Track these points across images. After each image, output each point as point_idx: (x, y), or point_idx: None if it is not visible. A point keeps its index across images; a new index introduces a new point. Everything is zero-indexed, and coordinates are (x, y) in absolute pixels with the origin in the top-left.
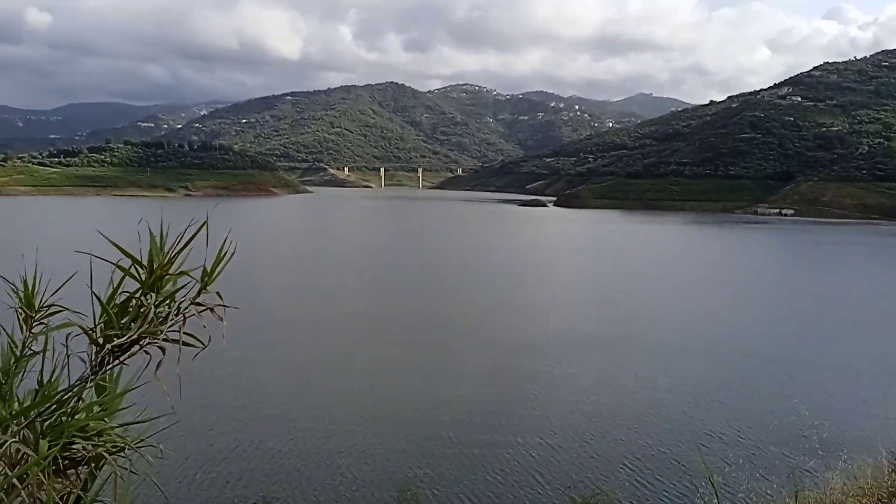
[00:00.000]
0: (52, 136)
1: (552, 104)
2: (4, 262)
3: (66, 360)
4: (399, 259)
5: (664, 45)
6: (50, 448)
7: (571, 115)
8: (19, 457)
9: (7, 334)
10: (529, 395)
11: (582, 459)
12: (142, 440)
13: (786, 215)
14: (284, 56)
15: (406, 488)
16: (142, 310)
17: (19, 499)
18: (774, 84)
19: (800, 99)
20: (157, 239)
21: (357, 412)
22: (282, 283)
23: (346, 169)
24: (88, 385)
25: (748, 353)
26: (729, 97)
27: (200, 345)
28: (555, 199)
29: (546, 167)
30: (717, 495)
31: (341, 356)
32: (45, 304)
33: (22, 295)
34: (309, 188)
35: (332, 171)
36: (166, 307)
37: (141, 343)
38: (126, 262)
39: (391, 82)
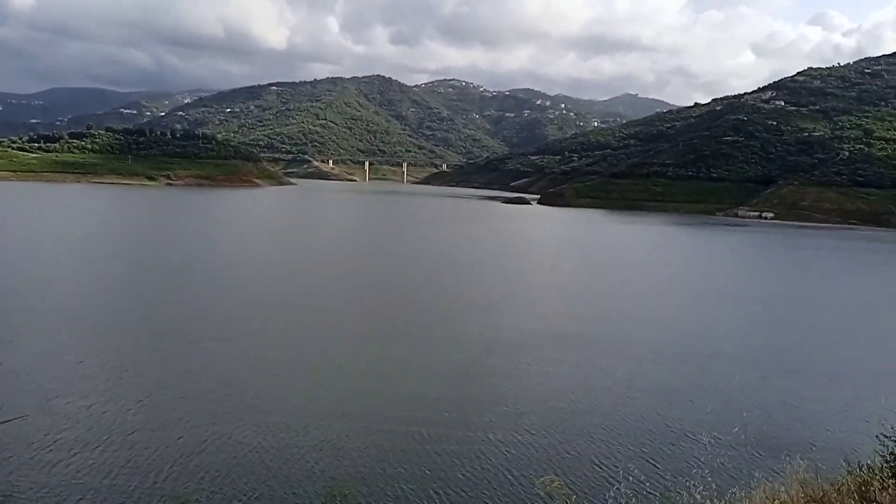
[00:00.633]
0: (33, 121)
1: (538, 102)
2: None
3: None
4: (377, 255)
5: (650, 45)
6: None
7: (557, 113)
8: None
9: None
10: (504, 393)
11: (556, 457)
12: None
13: (766, 218)
14: (271, 46)
15: (379, 484)
16: None
17: None
18: (758, 88)
19: (783, 103)
20: None
21: (330, 407)
22: (257, 277)
23: (330, 161)
24: None
25: (722, 355)
26: (713, 100)
27: None
28: (538, 196)
29: (530, 165)
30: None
31: (315, 351)
32: None
33: None
34: (292, 180)
35: (316, 163)
36: None
37: None
38: None
39: (378, 75)
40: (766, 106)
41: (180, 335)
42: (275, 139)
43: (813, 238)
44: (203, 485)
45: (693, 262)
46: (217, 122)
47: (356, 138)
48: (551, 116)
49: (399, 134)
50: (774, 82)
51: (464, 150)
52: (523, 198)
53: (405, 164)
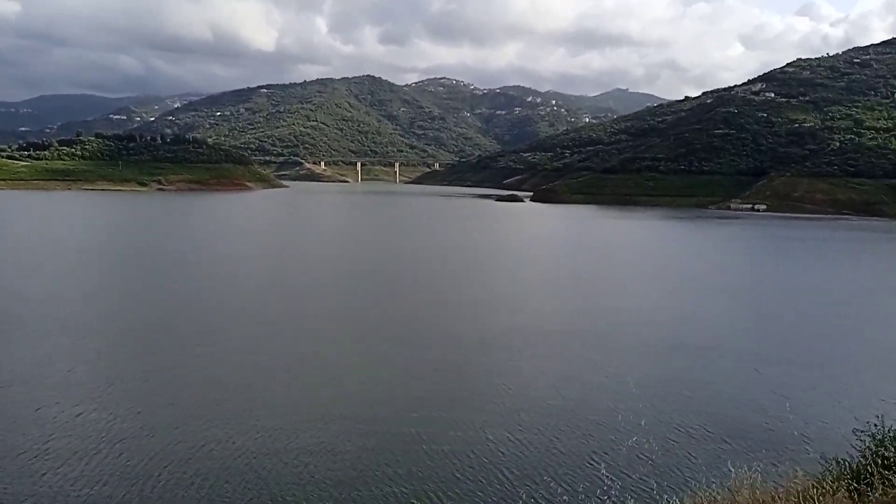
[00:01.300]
0: (22, 129)
1: (529, 99)
2: None
3: None
4: (371, 254)
5: (639, 40)
6: None
7: (548, 109)
8: None
9: None
10: (498, 390)
11: (549, 455)
12: None
13: (758, 210)
14: (259, 48)
15: (374, 486)
16: None
17: None
18: (748, 80)
19: (773, 95)
20: None
21: (323, 410)
22: (248, 280)
23: (322, 163)
24: None
25: (715, 347)
26: (703, 93)
27: None
28: (531, 193)
29: (523, 162)
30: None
31: (309, 353)
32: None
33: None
34: (284, 182)
35: (308, 165)
36: None
37: None
38: None
39: (368, 75)
40: (756, 98)
41: (172, 340)
42: (266, 142)
43: (804, 229)
44: (196, 491)
45: (685, 255)
46: (207, 126)
47: (347, 139)
48: (542, 113)
49: (390, 134)
50: (764, 74)
51: (456, 149)
52: (516, 195)
53: (397, 164)
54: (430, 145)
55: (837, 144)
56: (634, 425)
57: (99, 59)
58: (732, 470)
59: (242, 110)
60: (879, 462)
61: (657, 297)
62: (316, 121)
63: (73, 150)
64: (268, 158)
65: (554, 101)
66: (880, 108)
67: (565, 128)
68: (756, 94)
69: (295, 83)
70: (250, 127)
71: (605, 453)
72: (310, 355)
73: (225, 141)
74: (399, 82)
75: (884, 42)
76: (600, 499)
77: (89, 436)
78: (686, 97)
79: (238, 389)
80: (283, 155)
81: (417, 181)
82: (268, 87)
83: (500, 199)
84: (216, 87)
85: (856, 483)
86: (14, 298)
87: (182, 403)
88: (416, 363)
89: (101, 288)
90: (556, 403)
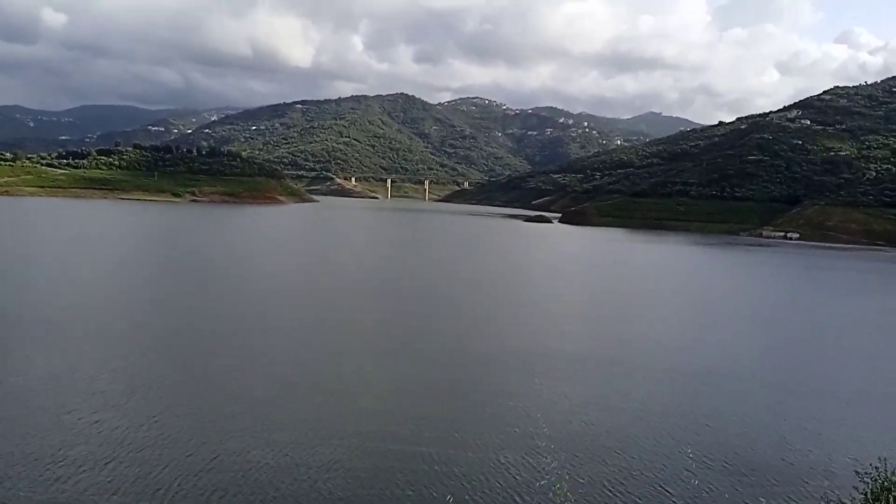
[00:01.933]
0: (63, 138)
1: (561, 120)
2: None
3: None
4: (395, 270)
5: (674, 64)
6: None
7: (580, 131)
8: None
9: None
10: (517, 413)
11: (567, 480)
12: None
13: (791, 239)
14: (296, 64)
15: None
16: None
17: None
18: (784, 107)
19: (808, 122)
20: None
21: (340, 426)
22: (273, 293)
23: (352, 179)
24: None
25: (741, 378)
26: (738, 118)
27: None
28: (560, 215)
29: (552, 183)
30: None
31: (329, 368)
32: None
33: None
34: (315, 197)
35: (338, 180)
36: None
37: None
38: None
39: (401, 93)
40: (791, 125)
41: (196, 350)
42: (299, 156)
43: (837, 259)
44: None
45: (713, 281)
46: (242, 140)
47: (379, 156)
48: (574, 135)
49: (421, 152)
50: (800, 101)
51: (486, 168)
52: (544, 216)
53: (427, 182)
54: (460, 164)
55: (874, 174)
56: (653, 454)
57: (141, 71)
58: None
59: (277, 125)
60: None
61: (683, 323)
62: (348, 137)
63: (110, 159)
64: (300, 173)
65: (586, 123)
66: None
67: (596, 150)
68: (791, 120)
69: (329, 99)
70: (284, 141)
71: (622, 482)
72: (330, 370)
73: (259, 154)
74: (432, 101)
75: None
76: None
77: (106, 443)
78: (720, 122)
79: (257, 402)
80: (314, 170)
81: (447, 199)
82: (303, 102)
83: (528, 219)
84: (253, 102)
85: None
86: (45, 305)
87: (200, 414)
88: (434, 381)
89: (130, 296)
90: (574, 429)
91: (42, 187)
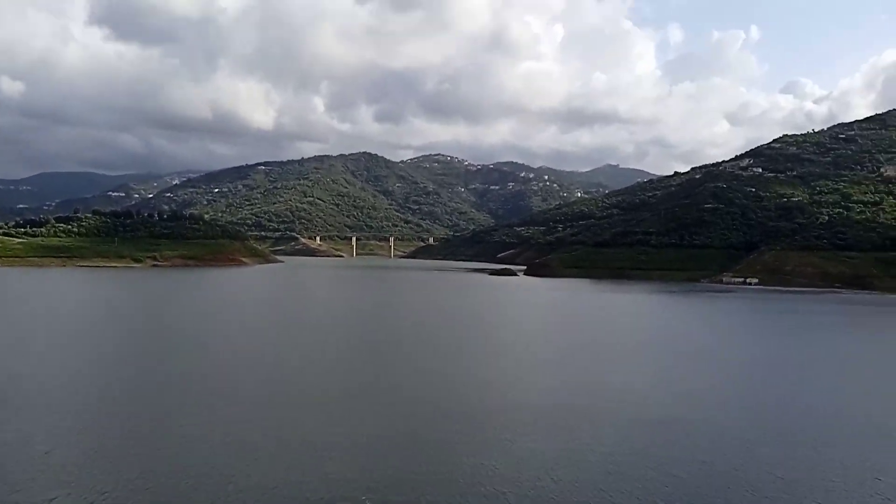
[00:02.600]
0: (21, 206)
1: (522, 174)
2: None
3: None
4: (361, 327)
5: (628, 117)
6: None
7: (541, 185)
8: None
9: None
10: (487, 471)
11: None
12: None
13: (750, 284)
14: (258, 126)
15: None
16: None
17: None
18: (736, 156)
19: (760, 170)
20: None
21: (308, 494)
22: (235, 355)
23: (317, 238)
24: None
25: (709, 423)
26: (692, 168)
27: None
28: (525, 267)
29: (516, 236)
30: None
31: (292, 429)
32: None
33: None
34: (280, 257)
35: (303, 240)
36: None
37: None
38: None
39: (364, 152)
40: (744, 173)
41: (154, 419)
42: (262, 217)
43: (795, 303)
44: None
45: (676, 328)
46: (205, 203)
47: (343, 214)
48: (535, 188)
49: (386, 209)
50: (751, 150)
51: (450, 224)
52: (510, 269)
53: (392, 239)
54: (424, 220)
55: (826, 218)
56: None
57: (101, 137)
58: None
59: (240, 186)
60: None
61: (651, 371)
62: (312, 196)
63: (69, 226)
64: (264, 234)
65: (546, 177)
66: (867, 182)
67: (558, 202)
68: (744, 169)
69: (293, 160)
70: (247, 203)
71: None
72: (293, 431)
73: (222, 217)
74: (395, 158)
75: (867, 118)
76: None
77: None
78: (675, 172)
79: (218, 472)
80: (278, 230)
81: (412, 255)
82: (266, 163)
83: (493, 272)
84: (216, 165)
85: None
86: None
87: (157, 489)
88: (402, 439)
89: (84, 364)
90: (545, 485)
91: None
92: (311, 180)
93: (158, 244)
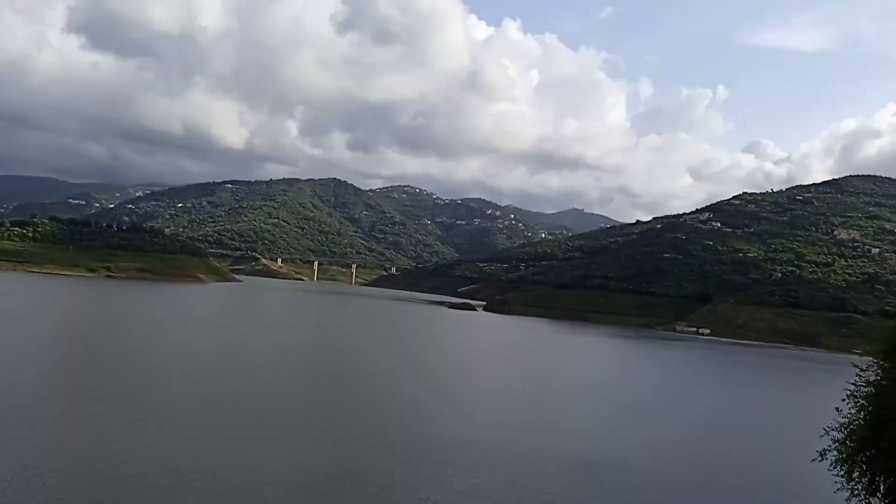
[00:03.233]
0: None
1: (489, 211)
2: None
3: None
4: (310, 357)
5: (595, 164)
6: None
7: (507, 223)
8: None
9: None
10: None
11: None
12: None
13: (703, 335)
14: (229, 145)
15: None
16: None
17: None
18: (696, 209)
19: (719, 224)
20: None
21: None
22: (180, 383)
23: (279, 260)
24: None
25: (651, 471)
26: (654, 218)
27: None
28: (485, 303)
29: (479, 272)
30: None
31: (230, 460)
32: None
33: None
34: (239, 277)
35: (264, 260)
36: None
37: None
38: None
39: (333, 178)
40: (703, 226)
41: (88, 457)
42: (224, 235)
43: (744, 356)
44: None
45: (627, 373)
46: (167, 217)
47: (307, 238)
48: (501, 226)
49: (351, 236)
50: (711, 204)
51: (414, 255)
52: (469, 304)
53: (354, 266)
54: (388, 249)
55: (780, 275)
56: None
57: (68, 144)
58: None
59: (205, 203)
60: None
61: (598, 414)
62: (277, 218)
63: (24, 231)
64: (225, 252)
65: (513, 216)
66: (820, 243)
67: (522, 242)
68: (703, 222)
69: (261, 181)
70: (210, 220)
71: None
72: (232, 462)
73: (183, 232)
74: (364, 187)
75: (824, 182)
76: None
77: None
78: (637, 221)
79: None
80: (240, 249)
81: (374, 283)
82: (233, 182)
83: (453, 306)
84: (183, 180)
85: None
86: None
87: None
88: (345, 472)
89: (16, 379)
90: None
91: None
92: (277, 202)
93: (115, 255)
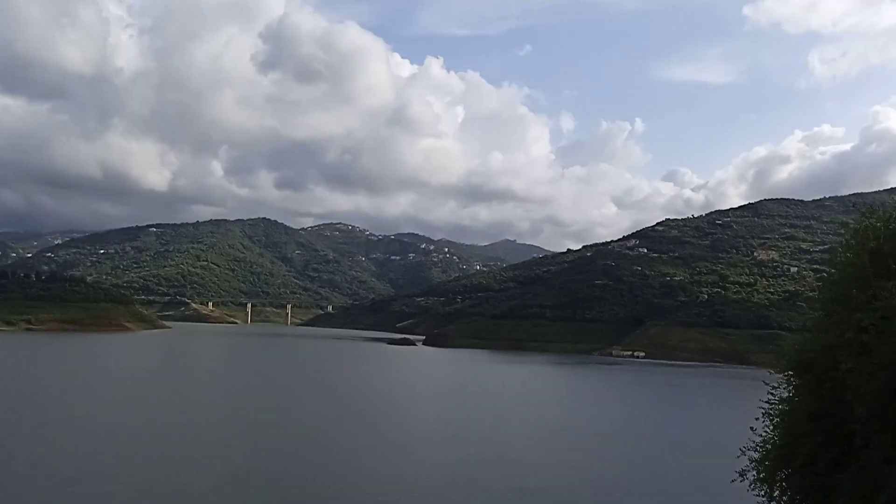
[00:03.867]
0: None
1: (423, 246)
2: None
3: None
4: (245, 403)
5: (523, 196)
6: None
7: (441, 256)
8: None
9: None
10: None
11: None
12: None
13: (638, 357)
14: (151, 187)
15: None
16: None
17: None
18: (623, 236)
19: (646, 250)
20: None
21: None
22: (101, 441)
23: (209, 303)
24: None
25: (602, 496)
26: (584, 246)
27: None
28: (424, 337)
29: (416, 306)
30: None
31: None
32: None
33: None
34: (168, 323)
35: (194, 305)
36: None
37: None
38: None
39: (263, 218)
40: (630, 253)
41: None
42: (151, 281)
43: (677, 376)
44: None
45: (566, 400)
46: (89, 264)
47: (239, 280)
48: (435, 260)
49: (284, 276)
50: (637, 231)
51: (350, 292)
52: (408, 339)
53: (289, 306)
54: (324, 288)
55: (706, 297)
56: None
57: None
58: None
59: (128, 248)
60: None
61: (540, 444)
62: (206, 261)
63: None
64: (152, 298)
65: (446, 249)
66: (742, 264)
67: (457, 274)
68: (630, 249)
69: (187, 223)
70: (135, 265)
71: None
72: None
73: (106, 279)
74: (295, 225)
75: (741, 206)
76: None
77: None
78: (568, 250)
79: None
80: (168, 295)
81: (310, 323)
82: (158, 226)
83: (392, 342)
84: (103, 225)
85: None
86: None
87: None
88: None
89: None
90: None
91: None
92: (205, 244)
93: (34, 307)
